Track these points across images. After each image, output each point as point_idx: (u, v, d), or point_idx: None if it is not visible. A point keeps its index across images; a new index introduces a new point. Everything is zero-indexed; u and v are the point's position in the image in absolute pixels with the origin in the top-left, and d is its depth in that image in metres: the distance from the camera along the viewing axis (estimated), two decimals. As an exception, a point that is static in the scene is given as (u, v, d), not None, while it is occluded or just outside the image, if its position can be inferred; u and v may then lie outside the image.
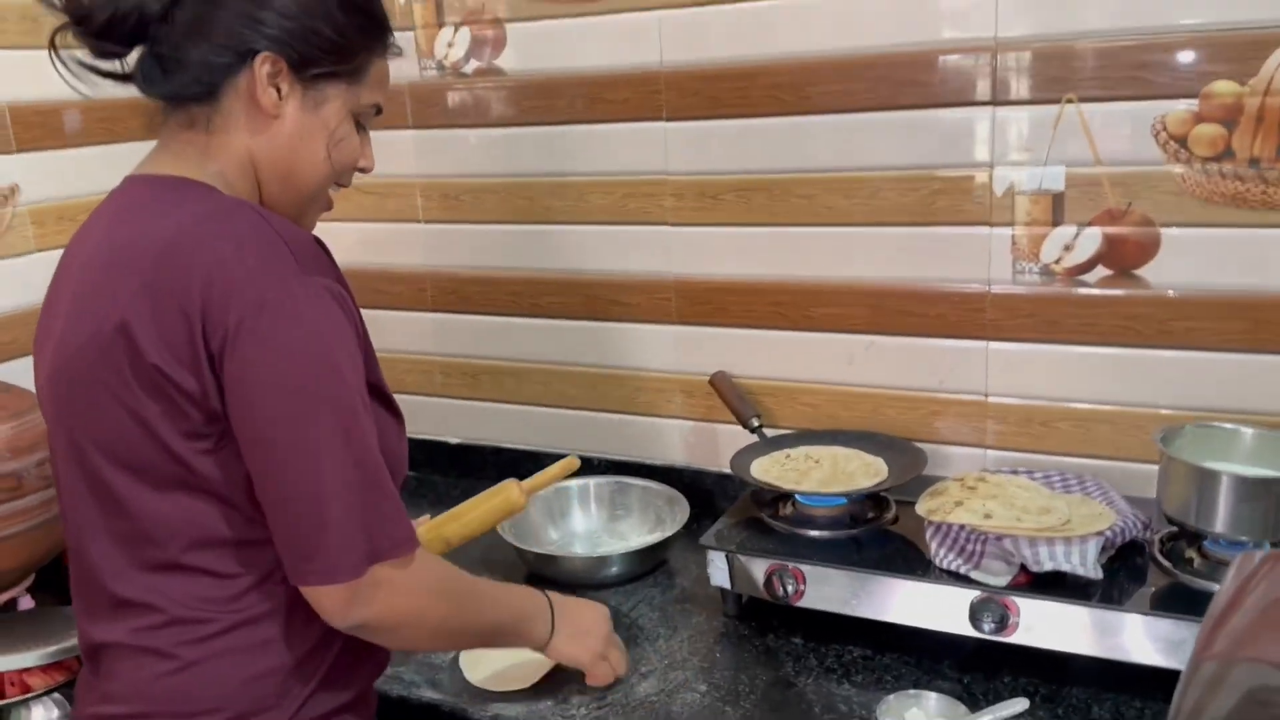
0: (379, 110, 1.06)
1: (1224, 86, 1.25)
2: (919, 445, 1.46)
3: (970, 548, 1.21)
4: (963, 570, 1.20)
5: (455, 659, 1.30)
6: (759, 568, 1.30)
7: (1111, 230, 1.34)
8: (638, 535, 1.60)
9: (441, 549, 1.36)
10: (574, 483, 1.65)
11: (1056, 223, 1.37)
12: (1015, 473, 1.36)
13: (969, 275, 1.43)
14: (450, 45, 1.70)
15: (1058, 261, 1.38)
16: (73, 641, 1.29)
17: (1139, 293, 1.34)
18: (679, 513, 1.55)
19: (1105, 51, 1.29)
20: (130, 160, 1.03)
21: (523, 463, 1.52)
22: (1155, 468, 1.25)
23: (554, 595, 1.18)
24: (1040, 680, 1.19)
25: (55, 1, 0.96)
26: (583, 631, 1.19)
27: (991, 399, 1.46)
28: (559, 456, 1.51)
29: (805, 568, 1.27)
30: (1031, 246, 1.39)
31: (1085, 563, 1.15)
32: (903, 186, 1.44)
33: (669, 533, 1.50)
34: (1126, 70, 1.29)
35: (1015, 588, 1.17)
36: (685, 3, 1.51)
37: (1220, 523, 1.15)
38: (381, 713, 1.14)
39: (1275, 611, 0.60)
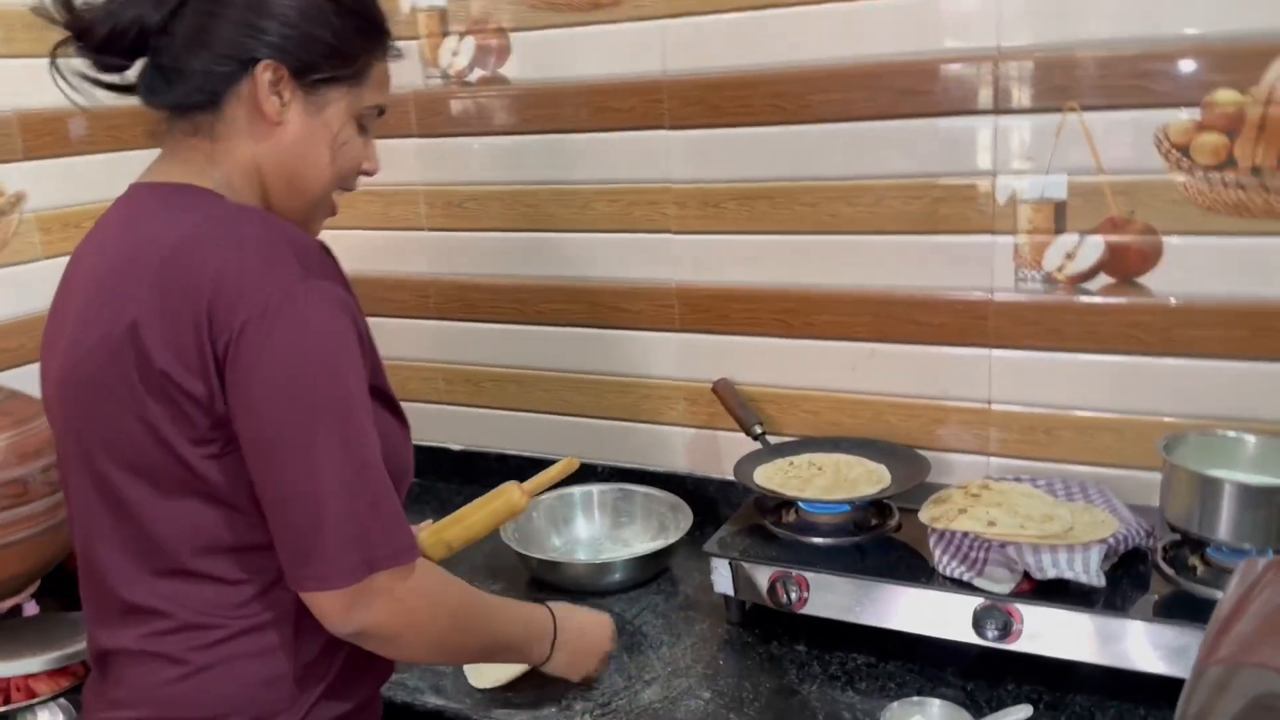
0: (381, 112, 1.06)
1: (1226, 95, 1.25)
2: (922, 453, 1.46)
3: (974, 555, 1.21)
4: (966, 577, 1.21)
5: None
6: (762, 575, 1.30)
7: (1114, 238, 1.34)
8: (641, 542, 1.60)
9: (444, 553, 1.36)
10: (577, 489, 1.65)
11: (1059, 231, 1.37)
12: (1019, 480, 1.37)
13: (972, 283, 1.43)
14: (455, 54, 1.71)
15: (1060, 269, 1.38)
16: (78, 647, 1.29)
17: (1141, 301, 1.35)
18: (682, 520, 1.55)
19: (1107, 60, 1.30)
20: (135, 168, 1.03)
21: (526, 470, 1.52)
22: (1158, 475, 1.25)
23: (560, 613, 1.18)
24: (1044, 688, 1.19)
25: (56, 16, 0.97)
26: (582, 652, 1.19)
27: (994, 407, 1.47)
28: (562, 463, 1.52)
29: (809, 575, 1.27)
30: (1034, 255, 1.39)
31: (1088, 570, 1.15)
32: (905, 195, 1.44)
33: (672, 540, 1.51)
34: (1128, 79, 1.29)
35: (1019, 595, 1.18)
36: (688, 12, 1.52)
37: (1223, 530, 1.15)
38: (386, 719, 1.14)
39: (1279, 618, 0.60)
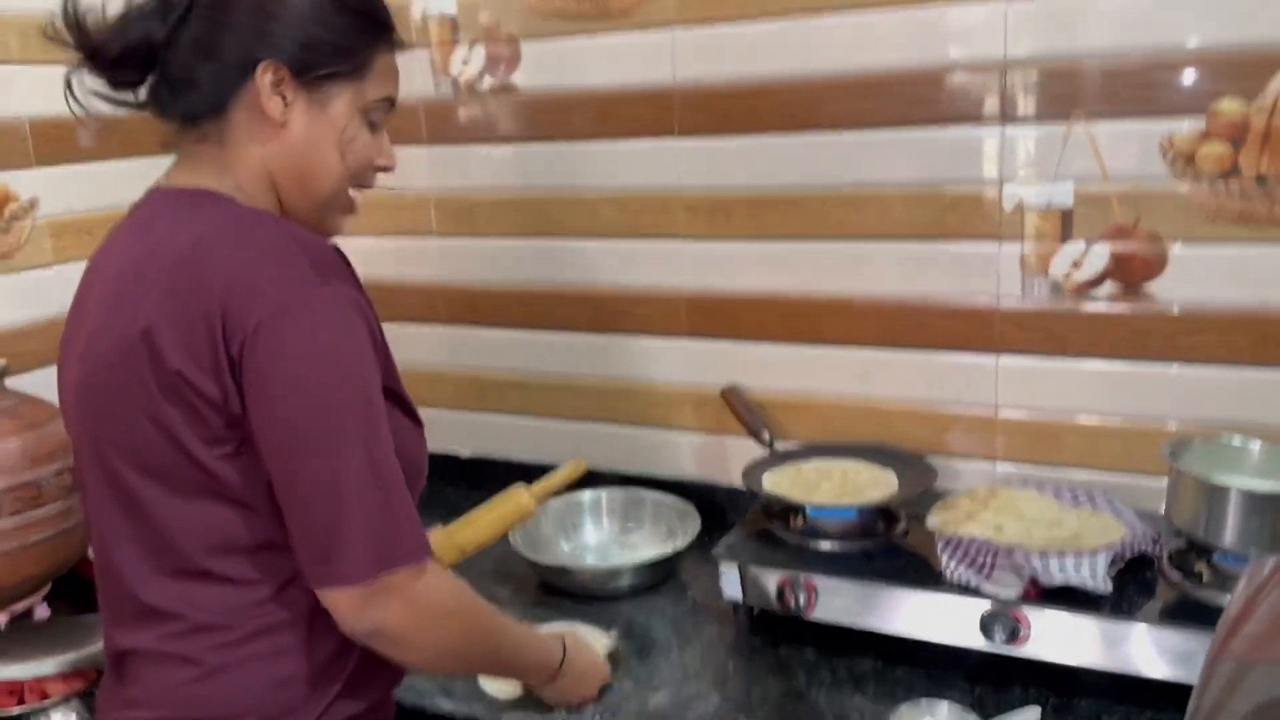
0: (391, 105, 1.06)
1: (1230, 105, 1.26)
2: (929, 459, 1.47)
3: (981, 560, 1.22)
4: (974, 583, 1.21)
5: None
6: (771, 580, 1.31)
7: (1120, 246, 1.35)
8: (649, 547, 1.60)
9: (456, 557, 1.37)
10: (586, 495, 1.66)
11: (1065, 239, 1.38)
12: (1025, 486, 1.37)
13: (979, 290, 1.45)
14: (465, 63, 1.73)
15: (1067, 277, 1.39)
16: (91, 650, 1.30)
17: (1147, 308, 1.36)
18: (690, 525, 1.56)
19: (1112, 70, 1.31)
20: (145, 173, 1.05)
21: (534, 475, 1.53)
22: (1164, 482, 1.26)
23: (571, 647, 1.19)
24: (1051, 692, 1.20)
25: (68, 39, 0.98)
26: (572, 693, 1.21)
27: (1001, 413, 1.47)
28: (570, 469, 1.53)
29: (817, 580, 1.28)
30: (1041, 262, 1.40)
31: (1095, 575, 1.16)
32: (913, 202, 1.46)
33: (680, 545, 1.51)
34: (1134, 89, 1.30)
35: (1026, 600, 1.18)
36: (697, 22, 1.53)
37: (1229, 536, 1.16)
38: (398, 722, 1.15)
39: (1288, 617, 0.61)
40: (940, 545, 1.26)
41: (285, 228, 0.96)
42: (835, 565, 1.30)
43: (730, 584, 1.35)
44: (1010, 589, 1.20)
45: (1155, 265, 1.34)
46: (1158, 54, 1.28)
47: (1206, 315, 1.33)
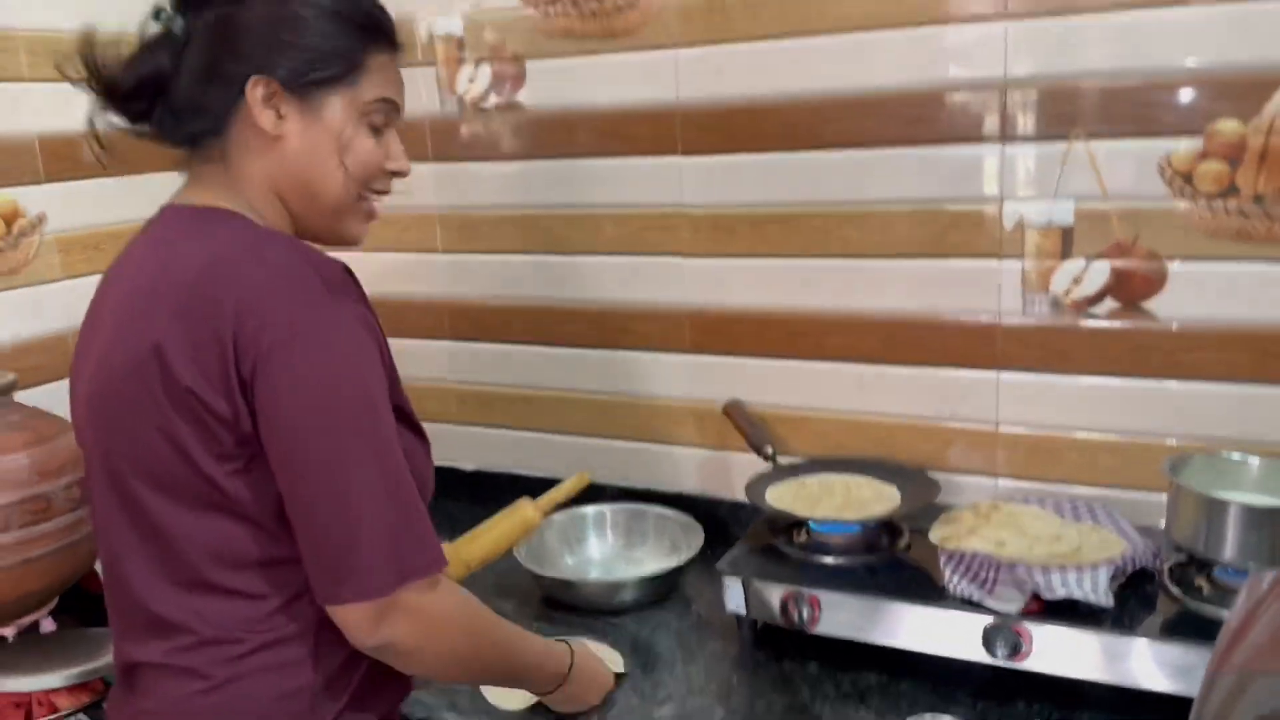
0: (394, 107, 1.05)
1: (1228, 125, 1.28)
2: (931, 474, 1.48)
3: (984, 575, 1.23)
4: (976, 597, 1.22)
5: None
6: (775, 594, 1.32)
7: (1119, 263, 1.37)
8: (653, 562, 1.61)
9: (463, 571, 1.38)
10: (590, 509, 1.67)
11: (1065, 256, 1.39)
12: (1027, 501, 1.38)
13: (980, 306, 1.46)
14: (471, 81, 1.74)
15: (1067, 293, 1.40)
16: (98, 663, 1.31)
17: (1147, 325, 1.37)
18: (694, 540, 1.57)
19: (1111, 90, 1.33)
20: (151, 189, 1.07)
21: (538, 489, 1.54)
22: (1163, 497, 1.27)
23: (579, 655, 1.21)
24: (1053, 705, 1.20)
25: (85, 79, 1.01)
26: (579, 699, 1.22)
27: (1002, 428, 1.49)
28: (574, 483, 1.54)
29: (821, 594, 1.29)
30: (1041, 279, 1.41)
31: (1096, 590, 1.17)
32: (914, 220, 1.47)
33: (684, 559, 1.52)
34: (1132, 108, 1.32)
35: (1028, 614, 1.19)
36: (700, 42, 1.55)
37: (1229, 551, 1.17)
38: (404, 736, 1.16)
39: (1289, 628, 0.62)
40: (943, 560, 1.27)
41: (297, 248, 0.97)
42: (839, 579, 1.31)
43: (734, 598, 1.35)
44: (1012, 603, 1.20)
45: (1154, 282, 1.36)
46: (1156, 75, 1.30)
47: (1205, 332, 1.34)
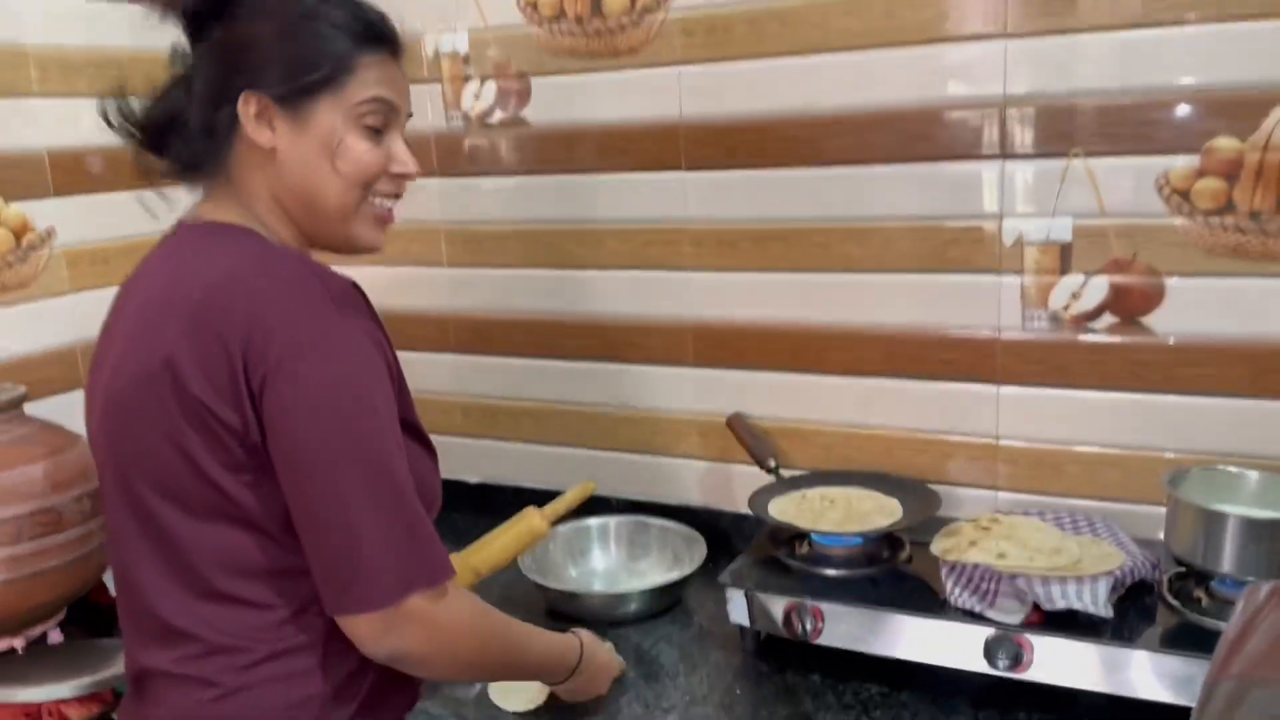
0: (390, 107, 1.04)
1: (1225, 143, 1.30)
2: (932, 486, 1.49)
3: (985, 586, 1.24)
4: (977, 608, 1.23)
5: (485, 688, 1.33)
6: (777, 605, 1.33)
7: (1118, 279, 1.38)
8: (657, 574, 1.62)
9: (471, 580, 1.39)
10: (594, 522, 1.68)
11: (1064, 272, 1.41)
12: (1027, 514, 1.40)
13: (980, 321, 1.47)
14: (477, 97, 1.76)
15: (1066, 309, 1.42)
16: (108, 674, 1.32)
17: (1145, 340, 1.39)
18: (697, 552, 1.58)
19: (1109, 108, 1.34)
20: (159, 205, 1.09)
21: (542, 501, 1.55)
22: (1162, 510, 1.28)
23: (587, 644, 1.23)
24: (1053, 716, 1.21)
25: (127, 129, 1.06)
26: (589, 688, 1.25)
27: (1002, 442, 1.50)
28: (578, 496, 1.55)
29: (823, 606, 1.30)
30: (1040, 294, 1.43)
31: (1096, 601, 1.18)
32: (915, 236, 1.49)
33: (687, 571, 1.53)
34: (1130, 126, 1.34)
35: (1028, 626, 1.21)
36: (703, 60, 1.57)
37: (1227, 563, 1.18)
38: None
39: (1286, 638, 0.63)
40: (944, 571, 1.28)
41: (305, 263, 0.99)
42: (841, 591, 1.32)
43: (737, 610, 1.37)
44: (1013, 615, 1.22)
45: (1153, 298, 1.37)
46: (1154, 93, 1.32)
47: (1203, 347, 1.36)
